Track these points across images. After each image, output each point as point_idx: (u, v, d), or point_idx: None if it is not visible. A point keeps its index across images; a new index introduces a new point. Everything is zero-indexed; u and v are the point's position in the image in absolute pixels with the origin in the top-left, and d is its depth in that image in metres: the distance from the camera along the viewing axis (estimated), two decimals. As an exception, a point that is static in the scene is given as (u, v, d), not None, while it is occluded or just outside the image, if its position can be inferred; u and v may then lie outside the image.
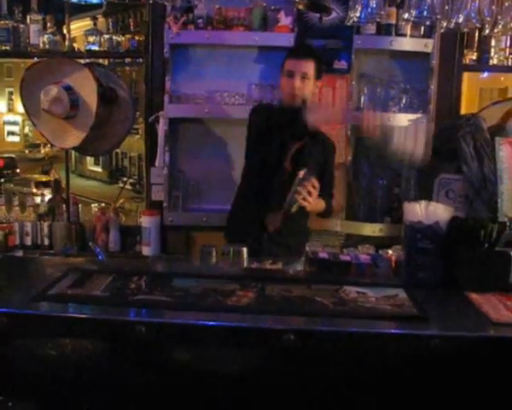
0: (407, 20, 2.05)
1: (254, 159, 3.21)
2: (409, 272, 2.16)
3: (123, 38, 4.19)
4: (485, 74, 4.79)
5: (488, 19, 2.01)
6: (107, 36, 4.14)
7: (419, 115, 3.87)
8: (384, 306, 1.90)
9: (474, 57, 4.09)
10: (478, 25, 2.09)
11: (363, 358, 1.72)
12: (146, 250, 4.07)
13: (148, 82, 4.08)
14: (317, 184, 2.83)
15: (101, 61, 4.49)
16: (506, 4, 2.03)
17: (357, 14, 2.07)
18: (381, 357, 1.72)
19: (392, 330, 1.75)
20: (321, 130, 3.24)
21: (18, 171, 21.37)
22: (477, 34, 4.03)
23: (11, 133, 25.55)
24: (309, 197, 2.81)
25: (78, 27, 6.85)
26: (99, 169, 17.71)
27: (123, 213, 4.56)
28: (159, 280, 2.09)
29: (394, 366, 1.75)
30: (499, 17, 2.03)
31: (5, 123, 26.20)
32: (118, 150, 16.36)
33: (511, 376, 1.69)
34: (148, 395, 1.78)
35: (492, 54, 4.05)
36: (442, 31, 2.11)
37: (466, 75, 4.55)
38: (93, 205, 5.02)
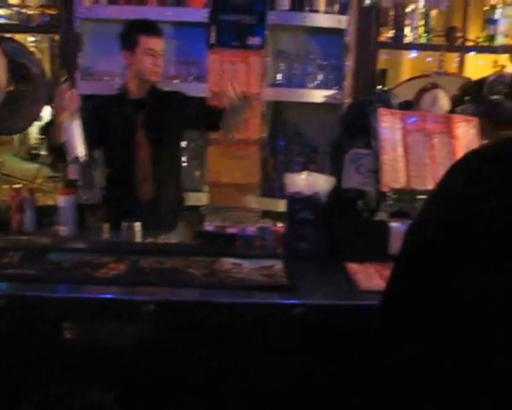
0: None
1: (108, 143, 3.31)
2: (290, 243, 2.16)
3: (34, 12, 4.06)
4: (415, 54, 4.81)
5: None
6: (15, 9, 4.02)
7: (334, 91, 3.88)
8: (255, 276, 1.89)
9: (391, 35, 4.11)
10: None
11: (224, 327, 1.71)
12: (62, 230, 3.98)
13: (62, 58, 3.98)
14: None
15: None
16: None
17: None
18: (243, 326, 1.72)
19: (254, 300, 1.74)
20: (165, 91, 3.38)
21: None
22: (393, 12, 4.06)
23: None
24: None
25: None
26: (43, 152, 17.28)
27: (41, 193, 4.45)
28: (34, 255, 2.05)
29: (260, 334, 1.74)
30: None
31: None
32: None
33: (372, 343, 1.70)
34: (7, 366, 1.75)
35: (408, 32, 4.08)
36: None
37: (404, 56, 4.58)
38: (13, 186, 4.88)
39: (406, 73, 4.76)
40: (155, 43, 3.16)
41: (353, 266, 2.06)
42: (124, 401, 1.80)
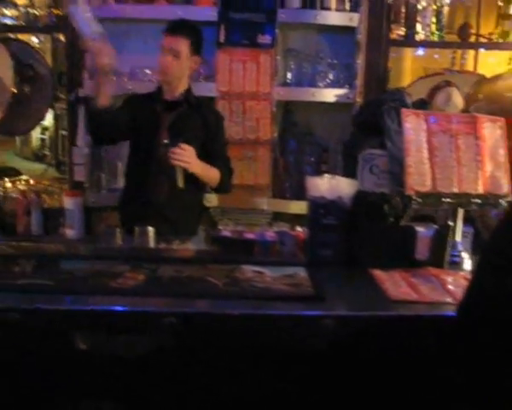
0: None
1: (133, 139, 3.21)
2: (312, 249, 2.08)
3: (41, 12, 3.99)
4: (421, 52, 4.74)
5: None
6: (23, 9, 3.94)
7: (346, 90, 3.80)
8: (279, 286, 1.81)
9: (402, 33, 4.03)
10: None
11: (250, 341, 1.64)
12: (69, 233, 3.90)
13: (69, 58, 3.90)
14: (187, 147, 2.86)
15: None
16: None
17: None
18: (269, 339, 1.64)
19: (281, 312, 1.66)
20: (204, 101, 3.29)
21: None
22: (404, 9, 3.99)
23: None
24: (183, 157, 2.83)
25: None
26: (46, 152, 17.20)
27: (47, 195, 4.38)
28: (47, 263, 1.97)
29: (287, 348, 1.66)
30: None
31: None
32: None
33: (403, 355, 1.63)
34: (25, 382, 1.67)
35: (420, 29, 4.01)
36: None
37: (409, 54, 4.52)
38: (20, 187, 4.81)
39: (411, 70, 4.69)
40: (170, 41, 3.03)
41: (379, 274, 1.98)
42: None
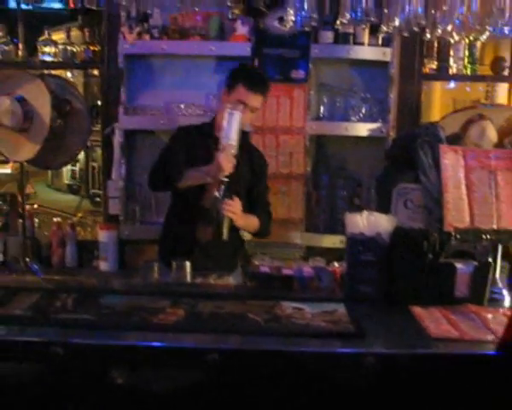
0: (343, 24, 1.98)
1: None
2: (350, 285, 2.08)
3: (78, 49, 4.09)
4: (452, 85, 4.74)
5: (424, 22, 1.96)
6: (61, 46, 4.04)
7: (379, 125, 3.81)
8: (319, 322, 1.81)
9: (435, 66, 4.04)
10: (416, 28, 2.03)
11: (290, 378, 1.63)
12: (103, 266, 3.93)
13: (104, 93, 3.98)
14: (237, 200, 2.87)
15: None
16: (444, 8, 1.97)
17: (293, 18, 2.00)
18: (311, 376, 1.63)
19: (322, 349, 1.66)
20: (251, 144, 3.31)
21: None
22: (436, 44, 4.00)
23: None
24: (233, 209, 2.84)
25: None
26: (77, 183, 17.37)
27: (81, 227, 4.44)
28: (87, 297, 1.99)
29: (327, 385, 1.65)
30: (438, 21, 1.98)
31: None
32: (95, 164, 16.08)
33: (446, 392, 1.61)
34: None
35: (452, 63, 4.01)
36: (382, 35, 2.02)
37: (438, 86, 4.54)
38: (55, 219, 4.87)
39: (440, 103, 4.69)
40: (250, 98, 3.01)
41: (419, 311, 1.97)
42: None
